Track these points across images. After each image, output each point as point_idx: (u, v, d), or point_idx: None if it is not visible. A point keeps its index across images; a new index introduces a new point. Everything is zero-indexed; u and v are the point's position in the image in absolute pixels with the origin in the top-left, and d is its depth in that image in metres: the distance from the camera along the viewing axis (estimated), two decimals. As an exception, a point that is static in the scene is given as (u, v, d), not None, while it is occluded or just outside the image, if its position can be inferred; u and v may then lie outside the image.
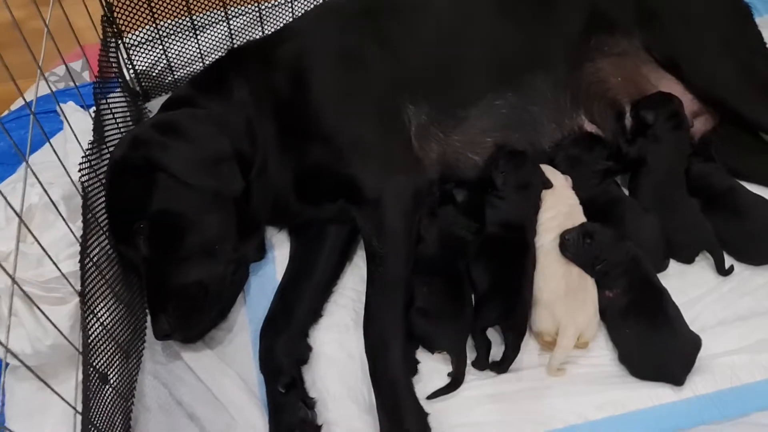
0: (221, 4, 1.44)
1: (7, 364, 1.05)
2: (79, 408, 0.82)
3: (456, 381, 1.01)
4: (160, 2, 1.39)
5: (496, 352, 1.05)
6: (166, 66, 1.49)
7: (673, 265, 1.15)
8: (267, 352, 1.08)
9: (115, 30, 1.38)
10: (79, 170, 0.99)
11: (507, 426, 0.97)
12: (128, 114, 1.34)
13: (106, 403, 0.93)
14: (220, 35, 1.49)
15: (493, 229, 1.14)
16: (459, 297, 1.06)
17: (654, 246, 1.12)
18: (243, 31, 1.50)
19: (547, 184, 1.18)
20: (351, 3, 1.30)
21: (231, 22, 1.47)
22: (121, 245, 1.08)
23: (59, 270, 0.87)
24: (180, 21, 1.44)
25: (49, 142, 0.92)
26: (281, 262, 1.23)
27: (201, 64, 1.49)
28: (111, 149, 1.15)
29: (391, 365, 0.99)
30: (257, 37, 1.50)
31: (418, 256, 1.09)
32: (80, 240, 0.95)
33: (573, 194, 1.19)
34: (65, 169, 0.94)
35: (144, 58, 1.47)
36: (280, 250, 1.25)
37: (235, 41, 1.49)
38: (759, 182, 1.25)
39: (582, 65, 1.29)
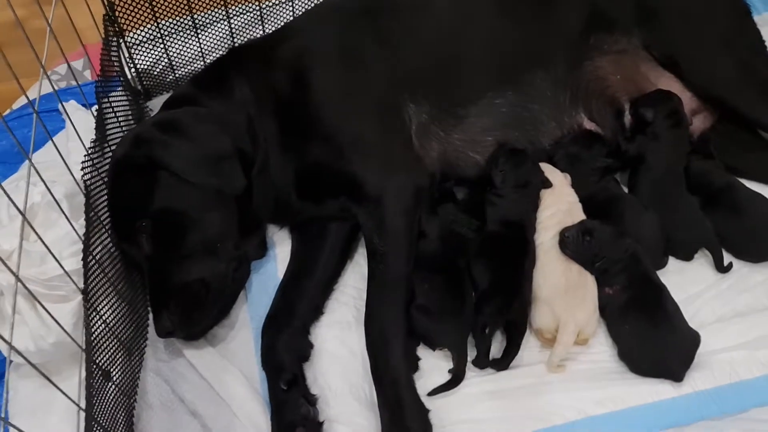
0: (222, 2, 1.44)
1: (10, 362, 1.06)
2: (83, 405, 0.83)
3: (457, 378, 1.01)
4: (162, 1, 1.39)
5: (497, 350, 1.05)
6: (167, 65, 1.50)
7: (673, 262, 1.16)
8: (269, 349, 1.08)
9: (117, 29, 1.38)
10: (82, 168, 1.00)
11: (507, 422, 0.98)
12: (130, 113, 1.34)
13: (109, 400, 0.93)
14: (221, 34, 1.50)
15: (494, 227, 1.14)
16: (460, 294, 1.07)
17: (653, 243, 1.13)
18: (244, 29, 1.51)
19: (547, 183, 1.18)
20: (351, 2, 1.31)
21: (232, 20, 1.47)
22: (124, 243, 1.08)
23: (62, 268, 0.87)
24: (181, 20, 1.45)
25: (52, 141, 0.92)
26: (282, 259, 1.24)
27: (202, 63, 1.49)
28: (113, 148, 1.16)
29: (392, 362, 1.00)
30: (258, 35, 1.50)
31: (419, 253, 1.10)
32: (83, 238, 0.96)
33: (572, 192, 1.20)
34: (68, 167, 0.94)
35: (145, 56, 1.47)
36: (281, 247, 1.26)
37: (236, 40, 1.50)
38: (758, 179, 1.25)
39: (581, 64, 1.30)
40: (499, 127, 1.25)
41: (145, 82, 1.51)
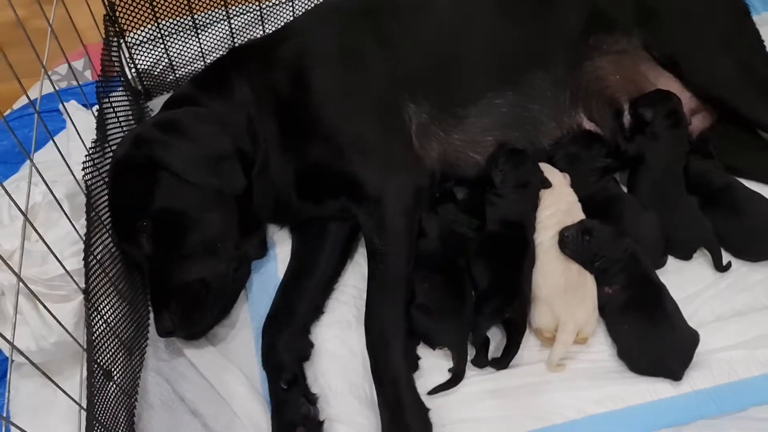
0: (222, 3, 1.45)
1: (12, 362, 1.06)
2: (84, 404, 0.83)
3: (457, 377, 1.01)
4: (162, 1, 1.39)
5: (497, 349, 1.05)
6: (167, 65, 1.50)
7: (672, 261, 1.16)
8: (269, 349, 1.09)
9: (117, 29, 1.38)
10: (83, 169, 1.00)
11: (507, 421, 0.98)
12: (130, 113, 1.34)
13: (110, 400, 0.94)
14: (221, 34, 1.50)
15: (493, 226, 1.15)
16: (460, 294, 1.07)
17: (653, 243, 1.13)
18: (244, 29, 1.51)
19: (546, 184, 1.18)
20: (351, 2, 1.31)
21: (232, 20, 1.48)
22: (124, 243, 1.08)
23: (63, 268, 0.88)
24: (181, 20, 1.45)
25: (53, 141, 0.93)
26: (283, 259, 1.24)
27: (202, 63, 1.50)
28: (113, 148, 1.16)
29: (392, 362, 1.00)
30: (258, 35, 1.50)
31: (419, 252, 1.10)
32: (84, 238, 0.96)
33: (571, 192, 1.20)
34: (69, 167, 0.95)
35: (146, 57, 1.47)
36: (281, 247, 1.26)
37: (236, 40, 1.50)
38: (757, 179, 1.25)
39: (581, 64, 1.30)
40: (499, 127, 1.25)
41: (145, 82, 1.51)
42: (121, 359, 1.01)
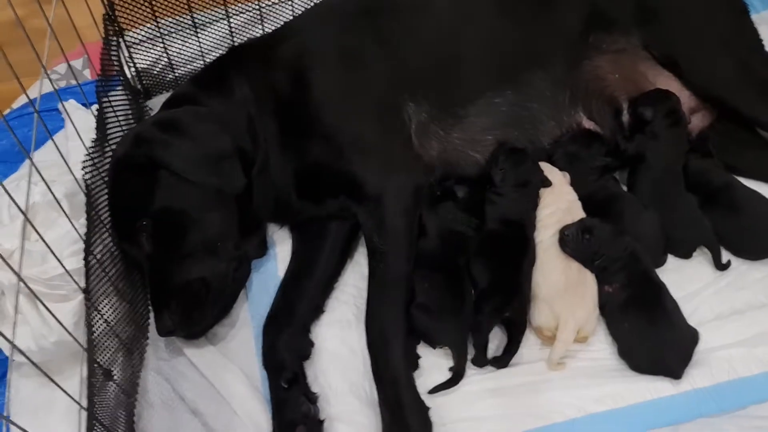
0: (222, 1, 1.44)
1: (12, 361, 1.06)
2: (84, 404, 0.83)
3: (457, 375, 1.02)
4: (161, 0, 1.39)
5: (497, 348, 1.06)
6: (167, 64, 1.50)
7: (671, 260, 1.16)
8: (269, 348, 1.09)
9: (117, 28, 1.38)
10: (83, 168, 1.00)
11: (507, 420, 0.98)
12: (130, 112, 1.34)
13: (110, 399, 0.94)
14: (220, 33, 1.49)
15: (493, 225, 1.15)
16: (460, 293, 1.07)
17: (652, 241, 1.13)
18: (243, 29, 1.50)
19: (546, 183, 1.18)
20: (351, 2, 1.31)
21: (232, 20, 1.47)
22: (124, 243, 1.08)
23: (63, 267, 0.88)
24: (181, 19, 1.45)
25: (53, 140, 0.93)
26: (283, 258, 1.24)
27: (202, 62, 1.49)
28: (113, 147, 1.16)
29: (392, 361, 1.00)
30: (258, 35, 1.50)
31: (419, 251, 1.10)
32: (84, 237, 0.96)
33: (571, 190, 1.20)
34: (68, 166, 0.95)
35: (145, 56, 1.47)
36: (281, 246, 1.26)
37: (235, 39, 1.50)
38: (756, 178, 1.25)
39: (580, 63, 1.30)
40: (498, 127, 1.25)
41: (144, 82, 1.51)
42: (121, 359, 1.01)
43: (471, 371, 1.04)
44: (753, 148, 1.30)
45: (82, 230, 0.97)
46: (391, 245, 1.08)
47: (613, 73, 1.31)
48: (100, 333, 0.95)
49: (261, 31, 1.51)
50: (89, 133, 1.10)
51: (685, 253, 1.16)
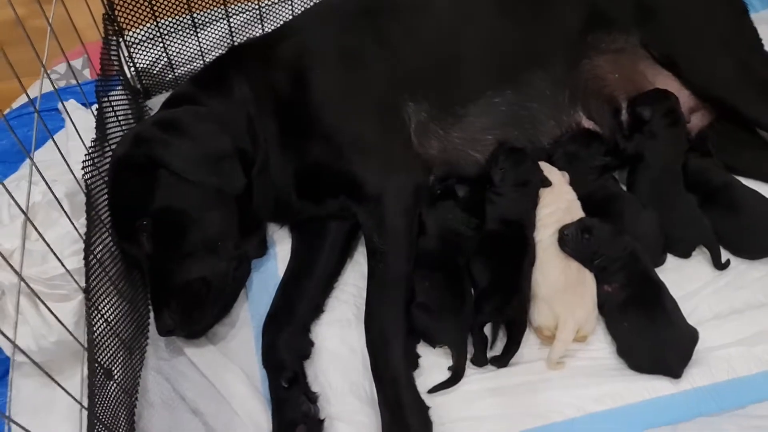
0: (222, 1, 1.45)
1: (13, 361, 1.06)
2: (85, 403, 0.83)
3: (456, 375, 1.02)
4: (161, 0, 1.39)
5: (497, 347, 1.06)
6: (166, 63, 1.50)
7: (671, 259, 1.16)
8: (269, 348, 1.09)
9: (116, 28, 1.38)
10: (83, 168, 1.00)
11: (507, 419, 0.98)
12: (129, 112, 1.34)
13: (111, 399, 0.94)
14: (220, 33, 1.50)
15: (493, 225, 1.15)
16: (459, 292, 1.07)
17: (652, 241, 1.13)
18: (243, 28, 1.51)
19: (546, 182, 1.19)
20: (351, 2, 1.31)
21: (231, 19, 1.48)
22: (124, 242, 1.09)
23: (64, 267, 0.88)
24: (180, 18, 1.45)
25: (53, 140, 0.93)
26: (283, 258, 1.24)
27: (201, 62, 1.50)
28: (113, 147, 1.16)
29: (392, 360, 1.00)
30: (257, 34, 1.50)
31: (418, 251, 1.10)
32: (84, 237, 0.96)
33: (570, 190, 1.20)
34: (69, 166, 0.95)
35: (145, 55, 1.47)
36: (281, 246, 1.26)
37: (235, 39, 1.50)
38: (755, 177, 1.25)
39: (580, 63, 1.30)
40: (498, 126, 1.25)
41: (144, 81, 1.51)
42: (121, 358, 1.01)
43: (470, 371, 1.04)
44: (752, 148, 1.30)
45: (83, 230, 0.97)
46: (391, 245, 1.08)
47: (612, 72, 1.31)
48: (101, 332, 0.95)
49: (260, 31, 1.51)
50: (89, 133, 1.11)
51: (685, 253, 1.16)
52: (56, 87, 0.98)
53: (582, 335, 1.04)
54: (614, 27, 1.31)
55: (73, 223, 0.94)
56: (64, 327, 0.84)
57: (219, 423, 1.03)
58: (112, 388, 0.95)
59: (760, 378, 1.00)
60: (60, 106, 1.33)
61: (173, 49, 1.48)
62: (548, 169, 1.21)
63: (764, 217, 1.15)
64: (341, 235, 1.22)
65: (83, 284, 0.94)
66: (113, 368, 0.97)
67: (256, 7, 1.49)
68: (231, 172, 1.11)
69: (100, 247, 1.02)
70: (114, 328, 0.99)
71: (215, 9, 1.48)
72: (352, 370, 1.07)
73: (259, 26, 1.51)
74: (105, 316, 0.97)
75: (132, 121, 1.33)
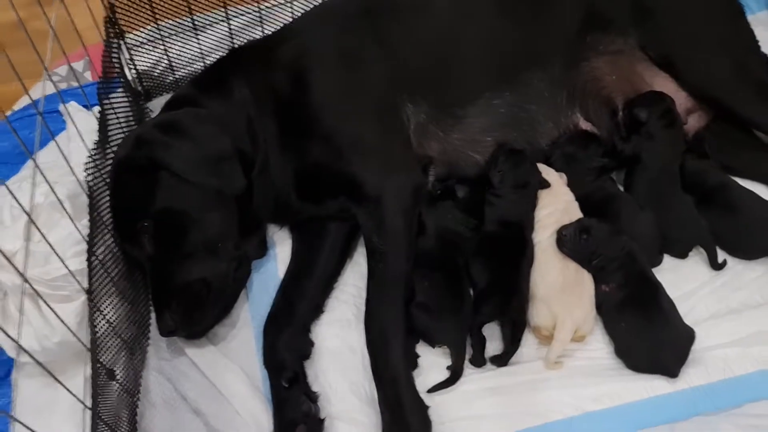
0: (222, 4, 1.45)
1: (17, 361, 1.07)
2: (88, 403, 0.84)
3: (455, 375, 1.02)
4: (162, 2, 1.39)
5: (497, 347, 1.06)
6: (167, 66, 1.50)
7: (668, 259, 1.17)
8: (270, 348, 1.09)
9: (117, 30, 1.39)
10: (85, 169, 1.01)
11: (506, 418, 0.99)
12: (130, 114, 1.35)
13: (113, 399, 0.94)
14: (220, 35, 1.50)
15: (492, 226, 1.15)
16: (459, 292, 1.08)
17: (649, 241, 1.14)
18: (243, 31, 1.51)
19: (544, 184, 1.19)
20: (350, 3, 1.32)
21: (231, 22, 1.48)
22: (126, 244, 1.09)
23: (67, 268, 0.88)
24: (181, 21, 1.45)
25: (55, 141, 0.93)
26: (283, 259, 1.25)
27: (202, 64, 1.50)
28: (114, 149, 1.17)
29: (392, 360, 1.01)
30: (257, 37, 1.51)
31: (418, 250, 1.11)
32: (86, 238, 0.96)
33: (568, 191, 1.21)
34: (71, 168, 0.95)
35: (145, 58, 1.48)
36: (281, 247, 1.27)
37: (235, 41, 1.50)
38: (752, 178, 1.26)
39: (578, 64, 1.31)
40: (497, 127, 1.26)
41: (145, 84, 1.51)
42: (123, 358, 1.02)
43: (470, 370, 1.05)
44: (749, 149, 1.31)
45: (85, 231, 0.98)
46: (391, 245, 1.09)
47: (610, 74, 1.32)
48: (103, 333, 0.96)
49: (261, 33, 1.52)
50: (91, 135, 1.11)
51: (682, 253, 1.17)
52: (58, 89, 0.99)
53: (580, 335, 1.04)
54: (612, 28, 1.32)
55: (75, 225, 0.95)
56: (67, 327, 0.84)
57: (220, 423, 1.03)
58: (115, 388, 0.96)
59: (756, 377, 1.01)
60: (61, 108, 1.33)
61: (174, 51, 1.48)
62: (545, 171, 1.22)
63: (760, 217, 1.16)
64: (341, 235, 1.23)
65: (85, 285, 0.94)
66: (115, 368, 0.97)
67: (256, 9, 1.49)
68: (231, 173, 1.12)
69: (102, 248, 1.02)
70: (116, 329, 1.00)
71: (215, 11, 1.48)
72: (352, 369, 1.08)
73: (259, 29, 1.52)
74: (107, 317, 0.98)
75: (133, 123, 1.34)
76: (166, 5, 1.40)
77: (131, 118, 1.34)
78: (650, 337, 1.02)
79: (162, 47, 1.46)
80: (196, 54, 1.50)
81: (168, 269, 1.07)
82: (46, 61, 0.93)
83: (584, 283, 1.08)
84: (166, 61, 1.49)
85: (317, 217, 1.23)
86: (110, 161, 1.13)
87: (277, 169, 1.19)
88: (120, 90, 1.35)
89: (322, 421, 1.02)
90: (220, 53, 1.47)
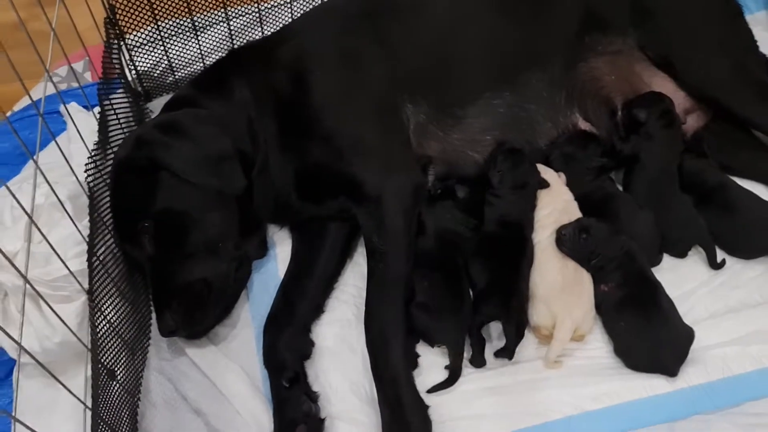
0: (222, 4, 1.46)
1: (18, 362, 1.07)
2: (89, 404, 0.84)
3: (454, 375, 1.02)
4: (161, 3, 1.40)
5: (496, 347, 1.06)
6: (167, 66, 1.51)
7: (667, 259, 1.17)
8: (270, 348, 1.10)
9: (118, 31, 1.39)
10: (86, 170, 1.01)
11: (506, 418, 0.99)
12: (131, 114, 1.35)
13: (114, 399, 0.95)
14: (220, 36, 1.51)
15: (491, 226, 1.15)
16: (458, 292, 1.08)
17: (648, 241, 1.14)
18: (243, 31, 1.52)
19: (544, 184, 1.19)
20: (350, 3, 1.32)
21: (231, 22, 1.48)
22: (126, 244, 1.09)
23: (68, 269, 0.89)
24: (181, 22, 1.46)
25: (56, 142, 0.94)
26: (283, 259, 1.25)
27: (202, 65, 1.51)
28: (115, 149, 1.17)
29: (392, 360, 1.01)
30: (257, 37, 1.51)
31: (418, 250, 1.11)
32: (87, 239, 0.97)
33: (567, 190, 1.21)
34: (72, 169, 0.96)
35: (145, 58, 1.48)
36: (281, 247, 1.27)
37: (235, 42, 1.51)
38: (750, 178, 1.26)
39: (576, 64, 1.31)
40: (497, 127, 1.26)
41: (145, 84, 1.52)
42: (124, 359, 1.02)
43: (469, 370, 1.05)
44: (747, 149, 1.31)
45: (86, 232, 0.98)
46: (391, 245, 1.09)
47: (609, 74, 1.32)
48: (104, 333, 0.96)
49: (260, 34, 1.52)
50: (91, 136, 1.11)
51: (681, 253, 1.17)
52: (58, 90, 0.99)
53: (579, 334, 1.05)
54: (611, 29, 1.32)
55: (76, 225, 0.95)
56: (68, 328, 0.85)
57: (221, 423, 1.03)
58: (115, 388, 0.96)
59: (755, 376, 1.01)
60: (62, 108, 1.34)
61: (174, 52, 1.49)
62: (544, 171, 1.22)
63: (759, 217, 1.16)
64: (341, 235, 1.23)
65: (86, 285, 0.94)
66: (116, 369, 0.97)
67: (256, 10, 1.50)
68: (231, 174, 1.12)
69: (103, 248, 1.02)
70: (116, 329, 1.00)
71: (215, 12, 1.49)
72: (352, 369, 1.08)
73: (259, 29, 1.52)
74: (108, 317, 0.98)
75: (133, 123, 1.34)
76: (166, 6, 1.41)
77: (131, 119, 1.34)
78: (649, 336, 1.02)
79: (162, 48, 1.47)
80: (195, 55, 1.51)
81: (168, 269, 1.08)
82: (46, 62, 0.94)
83: (583, 282, 1.08)
84: (166, 62, 1.50)
85: (317, 217, 1.23)
86: (110, 162, 1.14)
87: (277, 170, 1.20)
88: (120, 91, 1.36)
89: (322, 420, 1.02)
90: (220, 54, 1.47)
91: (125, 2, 1.37)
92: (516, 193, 1.16)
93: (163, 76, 1.53)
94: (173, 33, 1.47)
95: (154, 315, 1.12)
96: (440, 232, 1.15)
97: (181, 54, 1.50)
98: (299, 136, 1.19)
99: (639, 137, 1.25)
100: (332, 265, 1.21)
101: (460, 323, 1.05)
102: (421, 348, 1.08)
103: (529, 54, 1.30)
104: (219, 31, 1.50)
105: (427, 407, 0.99)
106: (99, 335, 0.94)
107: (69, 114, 1.12)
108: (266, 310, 1.15)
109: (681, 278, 1.14)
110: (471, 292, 1.10)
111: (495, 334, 1.08)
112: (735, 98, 1.27)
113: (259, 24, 1.52)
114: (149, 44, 1.46)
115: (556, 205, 1.17)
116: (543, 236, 1.13)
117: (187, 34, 1.47)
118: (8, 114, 1.47)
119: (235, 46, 1.48)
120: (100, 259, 0.99)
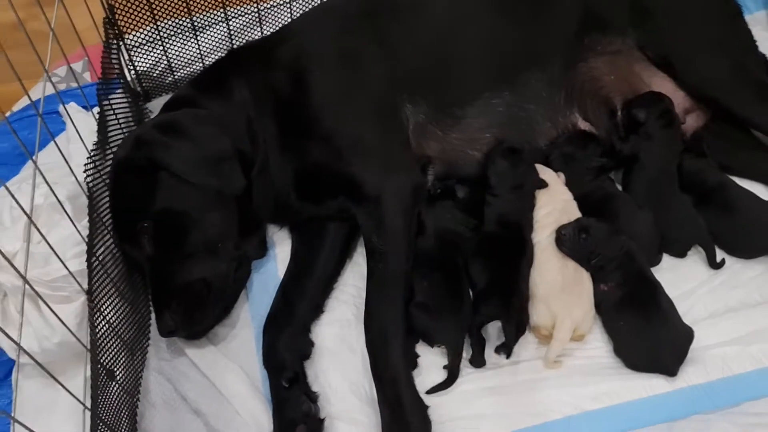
0: (221, 5, 1.46)
1: (18, 362, 1.07)
2: (88, 404, 0.84)
3: (452, 374, 1.02)
4: (161, 3, 1.40)
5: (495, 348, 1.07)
6: (166, 66, 1.51)
7: (666, 259, 1.17)
8: (270, 348, 1.10)
9: (117, 31, 1.39)
10: (85, 170, 1.01)
11: (505, 418, 0.99)
12: (130, 114, 1.35)
13: (113, 400, 0.95)
14: (219, 36, 1.51)
15: (491, 227, 1.16)
16: (458, 292, 1.08)
17: (648, 241, 1.14)
18: (242, 31, 1.52)
19: (542, 184, 1.19)
20: (350, 4, 1.32)
21: (230, 22, 1.48)
22: (126, 244, 1.09)
23: (67, 269, 0.89)
24: (180, 22, 1.46)
25: (55, 142, 0.94)
26: (283, 259, 1.25)
27: (201, 65, 1.51)
28: (114, 149, 1.17)
29: (391, 360, 1.01)
30: (256, 37, 1.51)
31: (417, 250, 1.11)
32: (86, 239, 0.97)
33: (566, 190, 1.21)
34: (71, 169, 0.96)
35: (145, 58, 1.48)
36: (281, 247, 1.27)
37: (234, 42, 1.51)
38: (750, 178, 1.26)
39: (576, 64, 1.31)
40: (496, 127, 1.26)
41: (144, 84, 1.52)
42: (123, 359, 1.02)
43: (469, 370, 1.05)
44: (746, 148, 1.31)
45: (85, 232, 0.98)
46: (390, 245, 1.09)
47: (608, 74, 1.32)
48: (103, 334, 0.96)
49: (259, 34, 1.52)
50: (90, 136, 1.11)
51: (680, 252, 1.17)
52: (57, 90, 0.99)
53: (579, 334, 1.05)
54: (610, 29, 1.32)
55: (75, 226, 0.95)
56: (67, 328, 0.85)
57: (220, 423, 1.03)
58: (115, 388, 0.96)
59: (754, 376, 1.01)
60: (61, 108, 1.33)
61: (173, 52, 1.49)
62: (543, 171, 1.22)
63: (758, 216, 1.16)
64: (341, 235, 1.23)
65: (85, 286, 0.94)
66: (115, 369, 0.97)
67: (255, 10, 1.50)
68: (231, 174, 1.12)
69: (102, 249, 1.02)
70: (116, 329, 1.00)
71: (214, 12, 1.48)
72: (351, 369, 1.08)
73: (258, 29, 1.52)
74: (107, 318, 0.98)
75: (132, 123, 1.34)
76: (165, 6, 1.41)
77: (131, 119, 1.34)
78: (649, 336, 1.02)
79: (161, 48, 1.46)
80: (195, 55, 1.51)
81: (168, 269, 1.08)
82: (45, 62, 0.94)
83: (583, 282, 1.08)
84: (165, 62, 1.50)
85: (317, 217, 1.23)
86: (110, 162, 1.14)
87: (276, 170, 1.20)
88: (119, 91, 1.35)
89: (322, 421, 1.02)
90: (219, 54, 1.47)
91: (124, 2, 1.36)
92: (514, 193, 1.17)
93: (163, 76, 1.53)
94: (172, 33, 1.47)
95: (153, 315, 1.12)
96: (440, 232, 1.15)
97: (181, 54, 1.50)
98: (299, 136, 1.19)
99: (638, 137, 1.25)
100: (332, 265, 1.21)
101: (460, 323, 1.05)
102: (421, 348, 1.08)
103: (529, 54, 1.30)
104: (218, 31, 1.50)
105: (426, 407, 0.99)
106: (98, 336, 0.94)
107: (68, 114, 1.12)
108: (266, 310, 1.15)
109: (680, 278, 1.14)
110: (471, 292, 1.10)
111: (495, 334, 1.08)
112: (734, 98, 1.27)
113: (258, 24, 1.51)
114: (148, 44, 1.46)
115: (555, 204, 1.17)
116: (543, 236, 1.13)
117: (187, 34, 1.47)
118: (7, 114, 1.47)
119: (235, 46, 1.48)
120: (100, 259, 0.99)
